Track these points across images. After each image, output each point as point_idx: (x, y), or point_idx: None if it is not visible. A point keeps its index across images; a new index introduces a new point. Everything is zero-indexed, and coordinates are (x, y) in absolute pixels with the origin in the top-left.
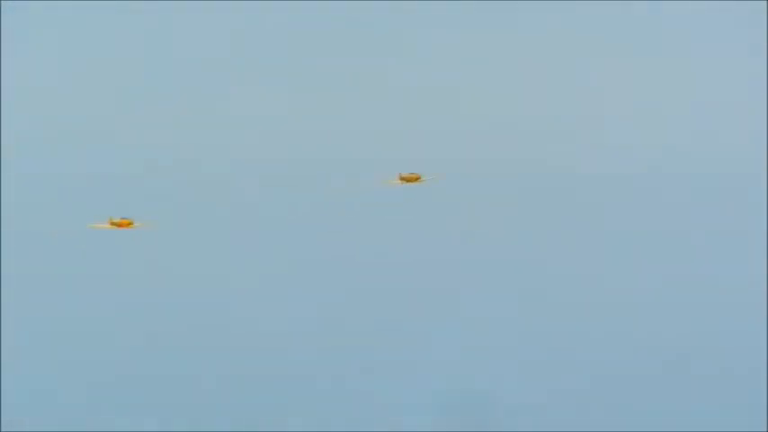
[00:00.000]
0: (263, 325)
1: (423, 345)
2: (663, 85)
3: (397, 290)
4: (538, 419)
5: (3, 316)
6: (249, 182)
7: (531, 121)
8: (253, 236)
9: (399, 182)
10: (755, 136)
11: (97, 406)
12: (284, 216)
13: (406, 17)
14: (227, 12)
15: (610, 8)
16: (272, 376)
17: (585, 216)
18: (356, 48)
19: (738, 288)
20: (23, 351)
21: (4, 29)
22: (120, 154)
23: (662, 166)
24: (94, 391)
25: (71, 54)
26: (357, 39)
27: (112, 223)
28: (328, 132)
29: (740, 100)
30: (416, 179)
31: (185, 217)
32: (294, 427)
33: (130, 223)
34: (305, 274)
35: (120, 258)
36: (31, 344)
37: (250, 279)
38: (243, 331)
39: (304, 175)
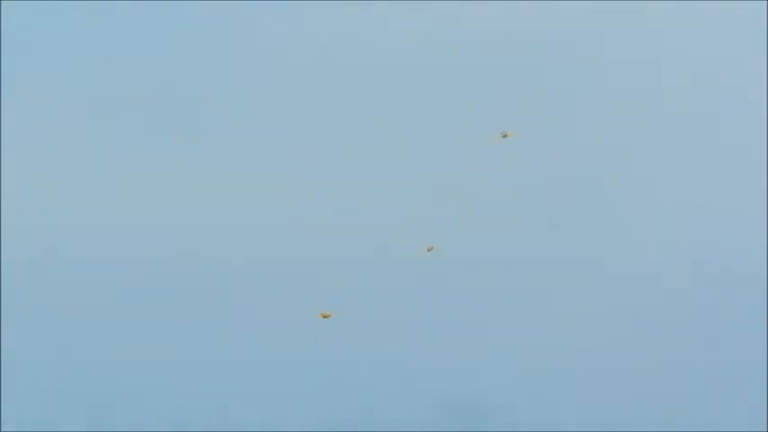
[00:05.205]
0: (261, 324)
1: (423, 345)
2: (661, 82)
3: (396, 290)
4: (537, 419)
5: (3, 316)
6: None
7: None
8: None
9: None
10: (755, 138)
11: (98, 407)
12: None
13: None
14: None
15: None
16: (270, 375)
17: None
18: None
19: (738, 287)
20: (23, 351)
21: (5, 29)
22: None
23: (661, 174)
24: (95, 392)
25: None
26: None
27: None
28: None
29: (739, 100)
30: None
31: None
32: (292, 426)
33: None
34: (303, 275)
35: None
36: (31, 344)
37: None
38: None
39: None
